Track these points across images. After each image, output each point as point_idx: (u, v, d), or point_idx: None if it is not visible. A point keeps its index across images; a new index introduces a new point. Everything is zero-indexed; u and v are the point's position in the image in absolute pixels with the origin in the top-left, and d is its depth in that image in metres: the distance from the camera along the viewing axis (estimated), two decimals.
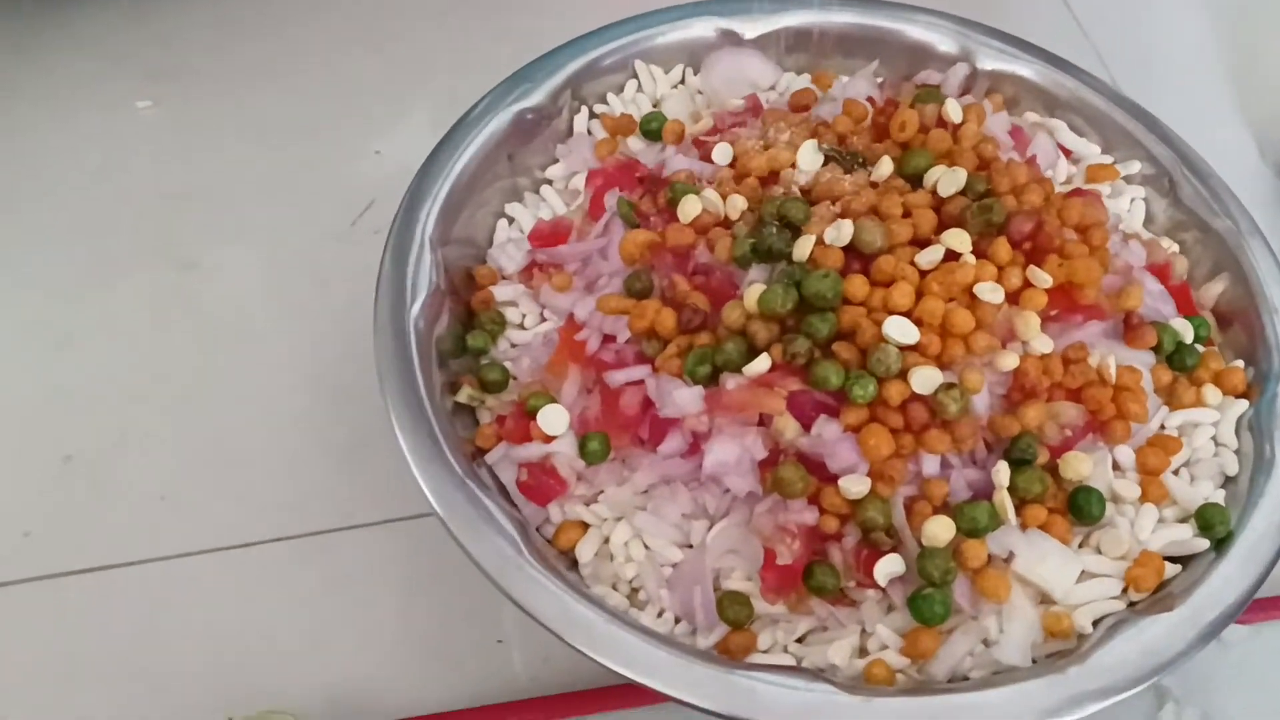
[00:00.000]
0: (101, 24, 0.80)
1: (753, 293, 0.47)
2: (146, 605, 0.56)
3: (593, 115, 0.61)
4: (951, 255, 0.48)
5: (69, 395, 0.62)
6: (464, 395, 0.52)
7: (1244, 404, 0.52)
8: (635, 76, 0.62)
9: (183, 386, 0.63)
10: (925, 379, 0.46)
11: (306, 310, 0.66)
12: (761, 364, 0.46)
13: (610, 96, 0.62)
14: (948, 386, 0.46)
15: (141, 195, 0.71)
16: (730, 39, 0.62)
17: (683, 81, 0.63)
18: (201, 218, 0.70)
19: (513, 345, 0.55)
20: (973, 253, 0.48)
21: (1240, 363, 0.54)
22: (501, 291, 0.55)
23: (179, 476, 0.60)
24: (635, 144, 0.59)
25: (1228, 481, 0.51)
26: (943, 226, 0.49)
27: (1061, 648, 0.46)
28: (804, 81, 0.62)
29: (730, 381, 0.47)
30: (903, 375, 0.46)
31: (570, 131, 0.61)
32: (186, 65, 0.78)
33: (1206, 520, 0.48)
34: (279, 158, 0.73)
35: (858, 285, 0.47)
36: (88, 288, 0.67)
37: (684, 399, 0.47)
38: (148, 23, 0.80)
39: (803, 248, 0.48)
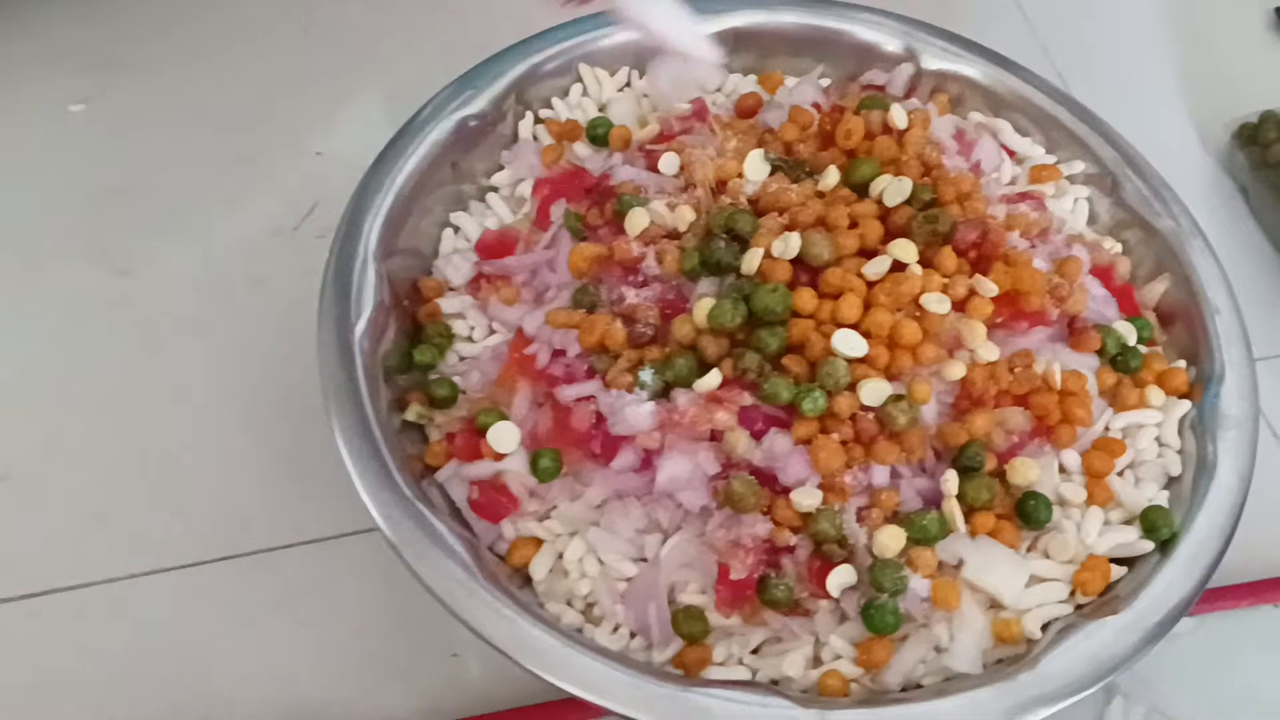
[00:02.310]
0: (31, 13, 0.76)
1: (702, 307, 0.47)
2: (86, 631, 0.54)
3: (538, 121, 0.61)
4: (898, 266, 0.48)
5: None
6: (412, 413, 0.51)
7: (1186, 404, 0.53)
8: (580, 80, 0.61)
9: (117, 394, 0.61)
10: (874, 391, 0.46)
11: (247, 313, 0.64)
12: (712, 379, 0.46)
13: (555, 101, 0.61)
14: (896, 398, 0.46)
15: (70, 192, 0.68)
16: None
17: (628, 85, 0.62)
18: (135, 216, 0.68)
19: (461, 359, 0.54)
20: (919, 262, 0.49)
21: (1183, 363, 0.54)
22: (449, 304, 0.55)
23: (115, 492, 0.58)
24: (582, 150, 0.59)
25: (1171, 482, 0.51)
26: (889, 236, 0.49)
27: (1011, 653, 0.46)
28: (750, 83, 0.62)
29: (682, 397, 0.47)
30: (852, 388, 0.46)
31: (515, 137, 0.60)
32: (118, 56, 0.75)
33: (1151, 523, 0.48)
34: (215, 154, 0.71)
35: (806, 298, 0.47)
36: (12, 289, 0.64)
37: (636, 415, 0.47)
38: (79, 12, 0.77)
39: (751, 261, 0.48)
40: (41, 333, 0.63)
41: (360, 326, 0.50)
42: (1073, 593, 0.48)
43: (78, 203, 0.68)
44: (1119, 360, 0.53)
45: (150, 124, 0.72)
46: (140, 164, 0.70)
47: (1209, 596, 0.55)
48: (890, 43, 0.62)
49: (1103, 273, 0.56)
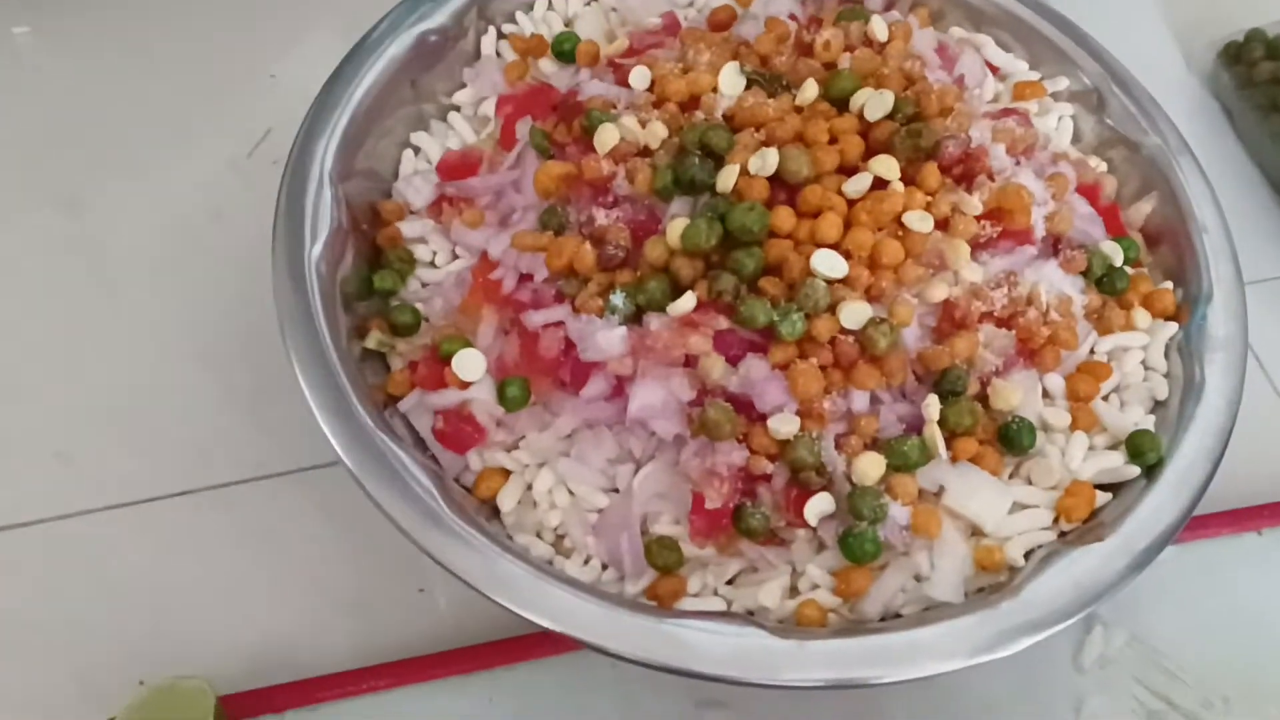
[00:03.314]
0: None
1: (675, 227, 0.45)
2: (48, 567, 0.53)
3: (501, 36, 0.58)
4: (880, 183, 0.47)
5: None
6: (373, 340, 0.49)
7: (1173, 327, 0.51)
8: None
9: (75, 333, 0.60)
10: (854, 314, 0.44)
11: (203, 247, 0.63)
12: (686, 302, 0.45)
13: (519, 15, 0.59)
14: (877, 321, 0.44)
15: (19, 130, 0.66)
16: None
17: None
18: (86, 152, 0.66)
19: (423, 285, 0.52)
20: (901, 180, 0.47)
21: (1169, 284, 0.53)
22: (409, 228, 0.52)
23: (75, 430, 0.57)
24: (547, 66, 0.57)
25: (1157, 406, 0.50)
26: (870, 152, 0.48)
27: (993, 581, 0.45)
28: None
29: (654, 321, 0.45)
30: (831, 310, 0.45)
31: (478, 54, 0.58)
32: None
33: (1137, 447, 0.47)
34: (167, 84, 0.69)
35: (784, 217, 0.45)
36: None
37: (607, 341, 0.45)
38: None
39: (726, 179, 0.46)
40: None
41: (316, 251, 0.48)
42: (1056, 519, 0.47)
43: (26, 138, 0.66)
44: (1104, 282, 0.51)
45: (97, 54, 0.70)
46: (88, 95, 0.68)
47: (1192, 524, 0.54)
48: None
49: (1088, 191, 0.54)
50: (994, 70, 0.59)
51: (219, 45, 0.70)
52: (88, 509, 0.55)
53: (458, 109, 0.57)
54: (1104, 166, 0.57)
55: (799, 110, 0.49)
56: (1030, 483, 0.47)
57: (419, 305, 0.51)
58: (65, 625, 0.52)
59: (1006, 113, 0.54)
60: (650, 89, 0.51)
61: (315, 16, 0.71)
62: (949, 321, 0.47)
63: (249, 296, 0.58)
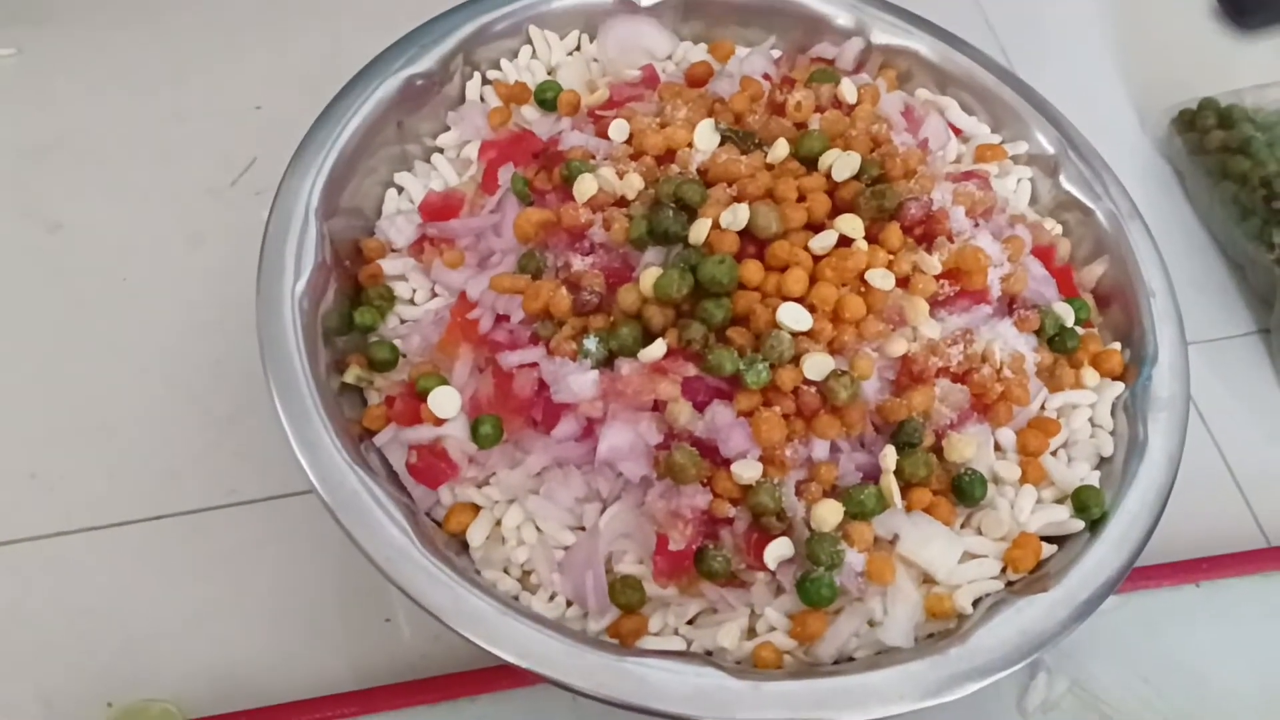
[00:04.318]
0: None
1: (648, 276, 0.47)
2: (17, 588, 0.54)
3: (486, 82, 0.60)
4: (844, 240, 0.48)
5: None
6: (351, 376, 0.50)
7: (1120, 386, 0.53)
8: (530, 42, 0.60)
9: (50, 354, 0.60)
10: (817, 365, 0.46)
11: (182, 272, 0.64)
12: (657, 349, 0.46)
13: (504, 62, 0.60)
14: (839, 373, 0.46)
15: (2, 149, 0.67)
16: (626, 6, 0.61)
17: (578, 49, 0.61)
18: (68, 173, 0.67)
19: (402, 322, 0.53)
20: (865, 238, 0.49)
21: (1118, 345, 0.55)
22: (391, 266, 0.54)
23: (48, 451, 0.57)
24: (529, 113, 0.58)
25: (1103, 462, 0.52)
26: (836, 211, 0.49)
27: (942, 627, 0.47)
28: (701, 52, 0.62)
29: (625, 366, 0.46)
30: (795, 361, 0.46)
31: (462, 98, 0.59)
32: (49, 5, 0.73)
33: (1082, 502, 0.49)
34: (152, 109, 0.70)
35: (752, 270, 0.47)
36: None
37: (579, 383, 0.46)
38: None
39: (699, 231, 0.47)
40: None
41: (300, 286, 0.49)
42: (1004, 569, 0.49)
43: (6, 156, 0.67)
44: (1056, 340, 0.53)
45: (83, 77, 0.71)
46: (72, 118, 0.69)
47: (1134, 575, 0.57)
48: (840, 16, 0.62)
49: (1043, 253, 0.56)
50: (957, 132, 0.61)
51: (206, 74, 0.71)
52: (60, 531, 0.55)
53: (441, 151, 0.58)
54: (1059, 229, 0.59)
55: (770, 168, 0.51)
56: (980, 533, 0.49)
57: (397, 342, 0.52)
58: (34, 646, 0.52)
59: (968, 175, 0.56)
60: (628, 141, 0.53)
61: (303, 51, 0.73)
62: (907, 375, 0.48)
63: (226, 324, 0.60)
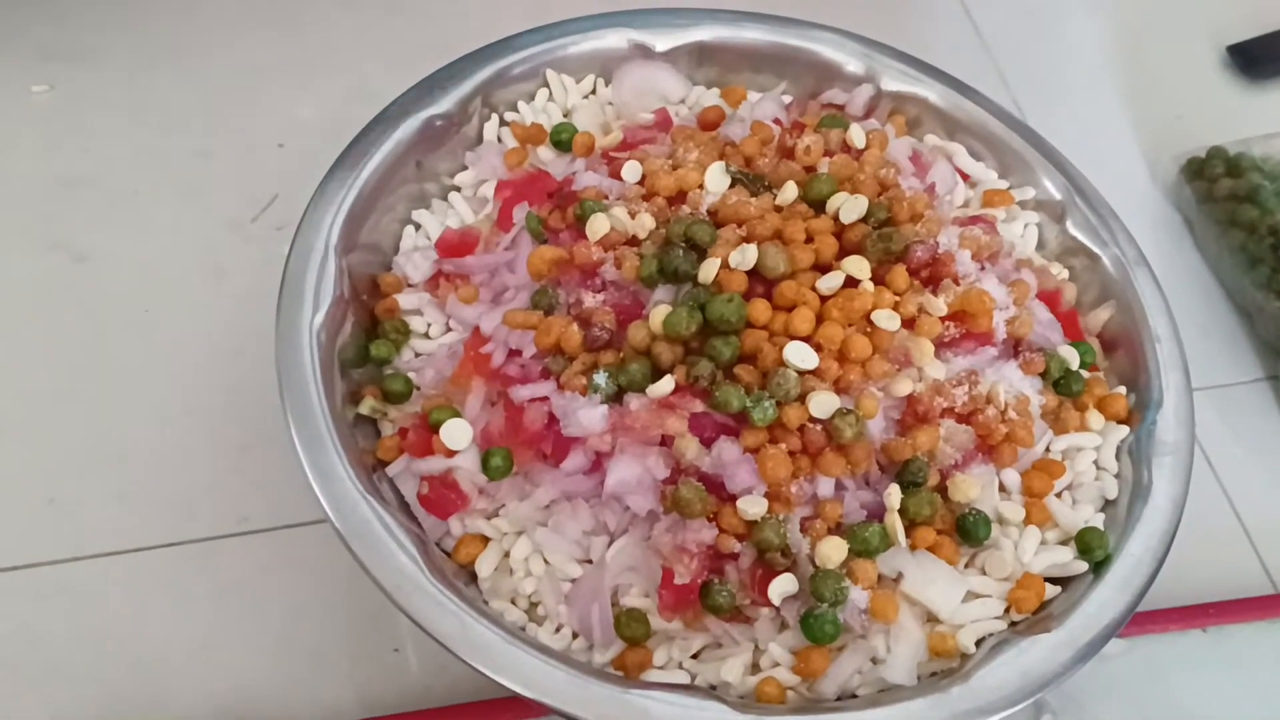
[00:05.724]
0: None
1: (658, 314, 0.48)
2: (32, 611, 0.54)
3: (503, 123, 0.61)
4: (851, 281, 0.49)
5: None
6: (366, 407, 0.51)
7: (1125, 430, 0.54)
8: (546, 85, 0.62)
9: (71, 382, 0.61)
10: (823, 404, 0.47)
11: (203, 304, 0.65)
12: (665, 385, 0.47)
13: (521, 104, 0.61)
14: (844, 412, 0.47)
15: (30, 180, 0.68)
16: (642, 51, 0.62)
17: (594, 92, 0.63)
18: (96, 206, 0.68)
19: (417, 355, 0.54)
20: (871, 279, 0.50)
21: (1123, 389, 0.56)
22: (407, 300, 0.55)
23: (67, 477, 0.58)
24: (545, 154, 0.59)
25: (1107, 505, 0.53)
26: (844, 252, 0.50)
27: (945, 667, 0.47)
28: (714, 96, 0.63)
29: (634, 401, 0.47)
30: (801, 399, 0.47)
31: (480, 138, 0.61)
32: (83, 45, 0.75)
33: (1086, 544, 0.50)
34: (178, 145, 0.71)
35: (760, 309, 0.48)
36: None
37: (588, 418, 0.47)
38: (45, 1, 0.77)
39: (708, 271, 0.48)
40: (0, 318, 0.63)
41: (318, 319, 0.50)
42: (1007, 609, 0.49)
43: (37, 188, 0.68)
44: (1061, 384, 0.54)
45: (112, 113, 0.72)
46: (101, 152, 0.70)
47: (1139, 619, 0.57)
48: (851, 63, 0.63)
49: (1049, 298, 0.57)
50: (965, 177, 0.62)
51: (231, 111, 0.73)
52: (74, 556, 0.56)
53: (458, 190, 0.59)
54: (1065, 274, 0.60)
55: (779, 210, 0.52)
56: (984, 573, 0.50)
57: (411, 374, 0.53)
58: (46, 669, 0.53)
59: (974, 219, 0.57)
60: (641, 182, 0.54)
61: (325, 92, 0.74)
62: (912, 415, 0.49)
63: (244, 355, 0.61)
